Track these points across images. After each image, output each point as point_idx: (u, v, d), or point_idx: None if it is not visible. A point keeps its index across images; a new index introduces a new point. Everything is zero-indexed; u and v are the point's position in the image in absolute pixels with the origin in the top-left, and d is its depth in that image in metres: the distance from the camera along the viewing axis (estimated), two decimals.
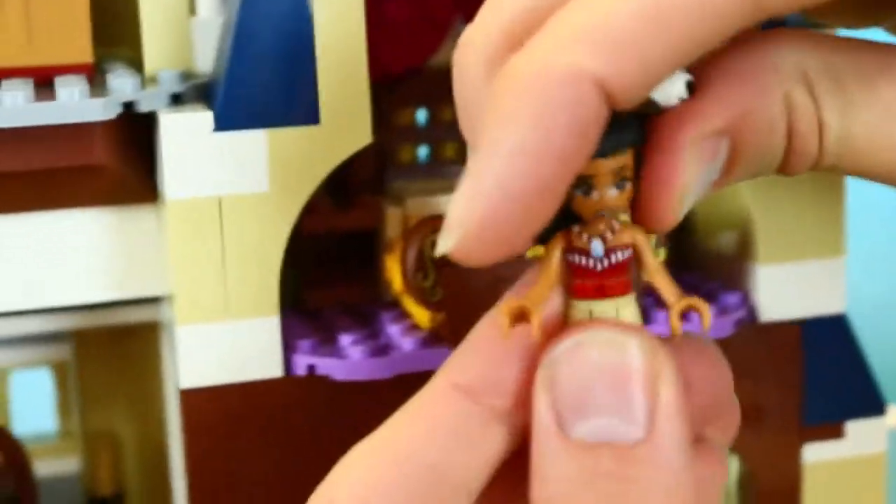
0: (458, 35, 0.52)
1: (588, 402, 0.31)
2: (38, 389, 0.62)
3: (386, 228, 0.50)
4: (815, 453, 0.53)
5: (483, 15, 0.34)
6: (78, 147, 0.45)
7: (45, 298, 0.49)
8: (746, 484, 0.53)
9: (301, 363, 0.47)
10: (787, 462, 0.53)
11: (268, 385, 0.47)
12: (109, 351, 0.57)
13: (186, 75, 0.48)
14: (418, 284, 0.47)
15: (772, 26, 0.35)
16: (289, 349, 0.47)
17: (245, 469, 0.47)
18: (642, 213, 0.33)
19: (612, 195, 0.33)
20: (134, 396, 0.58)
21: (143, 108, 0.45)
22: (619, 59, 0.30)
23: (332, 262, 0.53)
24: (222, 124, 0.45)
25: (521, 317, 0.32)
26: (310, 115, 0.45)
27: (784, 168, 0.36)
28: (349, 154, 0.46)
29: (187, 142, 0.45)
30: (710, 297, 0.51)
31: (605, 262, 0.33)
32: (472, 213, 0.30)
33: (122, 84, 0.45)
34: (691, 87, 0.33)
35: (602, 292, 0.33)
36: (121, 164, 0.47)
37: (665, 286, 0.34)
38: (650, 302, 0.49)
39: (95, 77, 0.47)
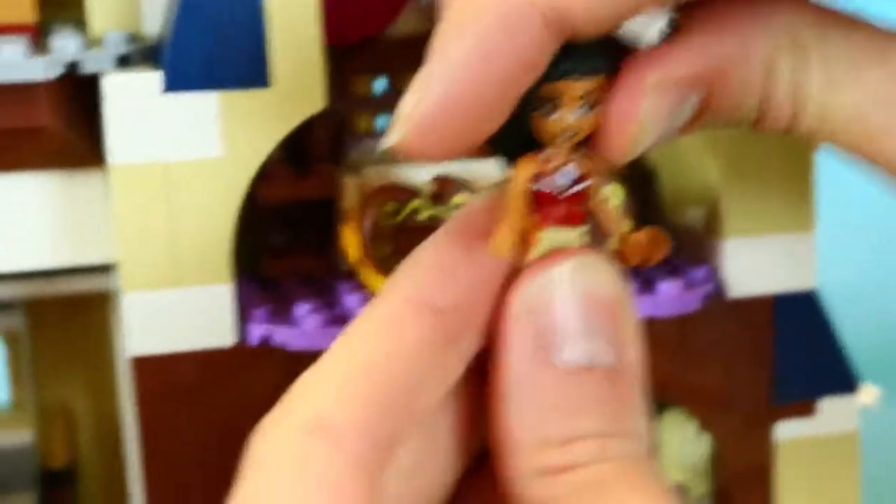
0: (418, 4, 0.51)
1: (572, 328, 0.32)
2: None
3: (344, 197, 0.49)
4: (786, 431, 0.52)
5: None
6: (20, 108, 0.44)
7: None
8: (718, 462, 0.52)
9: (255, 332, 0.46)
10: (758, 440, 0.52)
11: (220, 354, 0.46)
12: (62, 321, 0.56)
13: (134, 37, 0.47)
14: (376, 253, 0.45)
15: None
16: (243, 318, 0.46)
17: (198, 438, 0.46)
18: (599, 143, 0.34)
19: (572, 118, 0.33)
20: (88, 367, 0.57)
21: (88, 69, 0.44)
22: None
23: (291, 230, 0.52)
24: (171, 85, 0.44)
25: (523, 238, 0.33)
26: (260, 77, 0.44)
27: (755, 126, 0.36)
28: (302, 119, 0.45)
29: (133, 104, 0.44)
30: (677, 272, 0.50)
31: (572, 190, 0.33)
32: (417, 110, 0.31)
33: (65, 45, 0.44)
34: (674, 26, 0.34)
35: (567, 220, 0.33)
36: (65, 126, 0.45)
37: (616, 220, 0.34)
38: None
39: (40, 39, 0.46)
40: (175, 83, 0.44)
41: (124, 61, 0.45)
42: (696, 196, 0.51)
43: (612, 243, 0.34)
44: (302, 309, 0.46)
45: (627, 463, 0.32)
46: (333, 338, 0.45)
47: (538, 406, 0.32)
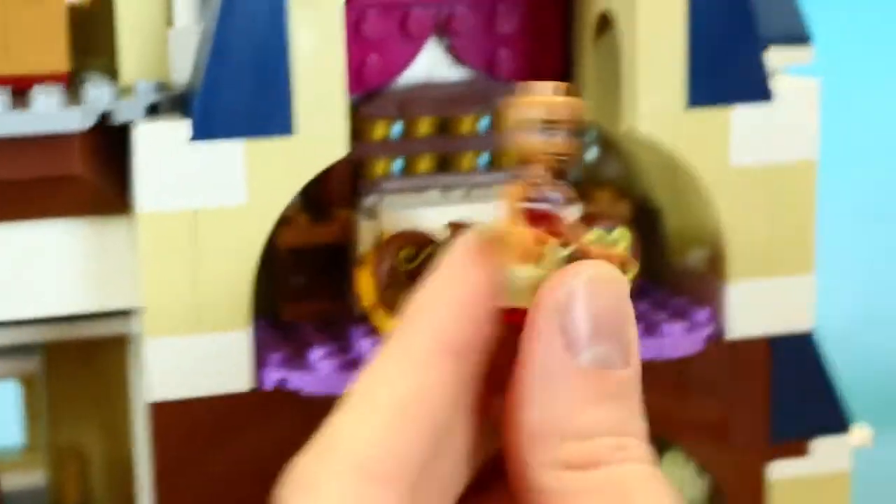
0: (432, 50, 0.53)
1: (598, 330, 0.33)
2: (6, 402, 0.62)
3: (359, 242, 0.50)
4: (780, 470, 0.53)
5: None
6: (54, 157, 0.45)
7: (16, 310, 0.49)
8: (714, 499, 0.54)
9: (271, 377, 0.47)
10: (752, 479, 0.53)
11: (237, 399, 0.47)
12: (78, 364, 0.57)
13: (163, 86, 0.48)
14: (390, 298, 0.47)
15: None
16: (259, 363, 0.47)
17: (213, 483, 0.47)
18: None
19: (552, 140, 0.35)
20: (102, 410, 0.57)
21: (120, 118, 0.45)
22: None
23: (307, 275, 0.53)
24: (199, 134, 0.45)
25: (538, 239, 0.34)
26: (285, 125, 0.46)
27: None
28: (326, 165, 0.47)
29: (162, 153, 0.45)
30: (679, 313, 0.51)
31: (563, 210, 0.35)
32: None
33: (98, 94, 0.45)
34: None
35: (549, 240, 0.35)
36: (96, 174, 0.47)
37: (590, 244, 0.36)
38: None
39: (71, 87, 0.47)
40: (203, 132, 0.45)
41: (153, 109, 0.47)
42: (700, 239, 0.53)
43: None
44: (316, 354, 0.48)
45: (647, 468, 0.33)
46: (347, 383, 0.46)
47: (563, 397, 0.33)
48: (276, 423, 0.47)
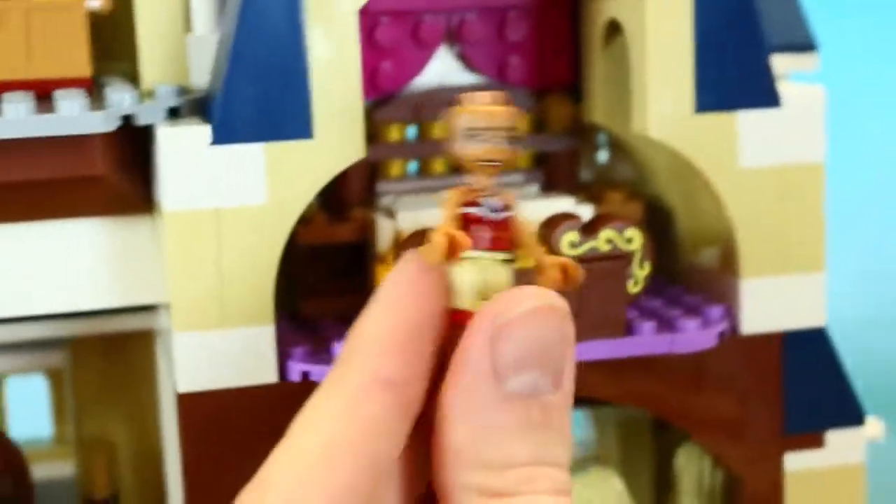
0: (444, 56, 0.54)
1: (528, 359, 0.34)
2: (35, 395, 0.63)
3: (377, 241, 0.51)
4: (795, 462, 0.54)
5: None
6: (78, 158, 0.46)
7: (43, 305, 0.51)
8: (729, 491, 0.55)
9: (295, 369, 0.48)
10: (768, 470, 0.54)
11: (263, 390, 0.48)
12: (104, 358, 0.58)
13: (183, 90, 0.49)
14: None
15: None
16: (283, 356, 0.48)
17: (240, 471, 0.48)
18: None
19: (492, 147, 0.36)
20: (128, 402, 0.58)
21: (142, 121, 0.46)
22: None
23: (326, 272, 0.54)
24: (220, 138, 0.46)
25: (452, 245, 0.35)
26: (304, 129, 0.47)
27: None
28: (343, 167, 0.47)
29: (185, 155, 0.46)
30: (693, 310, 0.52)
31: (499, 215, 0.36)
32: None
33: (120, 97, 0.46)
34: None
35: (493, 244, 0.36)
36: (118, 175, 0.48)
37: (535, 247, 0.37)
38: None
39: (93, 91, 0.48)
40: (224, 136, 0.46)
41: (174, 112, 0.48)
42: (712, 237, 0.54)
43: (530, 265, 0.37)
44: (339, 347, 0.48)
45: (558, 501, 0.35)
46: None
47: (484, 425, 0.34)
48: None
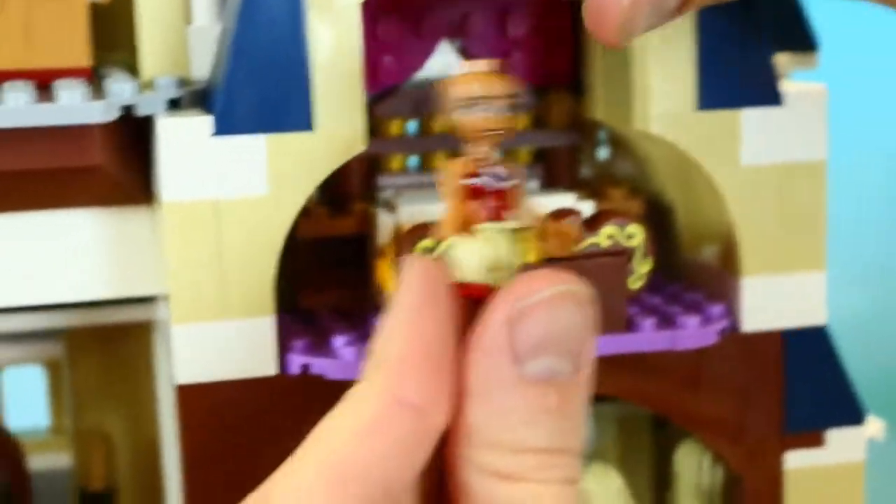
0: (445, 51, 0.54)
1: (547, 345, 0.34)
2: (32, 386, 0.63)
3: (378, 234, 0.51)
4: (796, 460, 0.54)
5: None
6: (77, 148, 0.46)
7: (40, 296, 0.50)
8: (729, 489, 0.55)
9: (295, 362, 0.48)
10: (768, 468, 0.54)
11: (262, 382, 0.48)
12: (101, 349, 0.58)
13: (183, 81, 0.49)
14: None
15: None
16: (283, 349, 0.48)
17: (239, 462, 0.48)
18: (591, 28, 0.37)
19: (493, 116, 0.36)
20: (125, 394, 0.58)
21: (142, 111, 0.46)
22: None
23: (326, 265, 0.54)
24: (221, 129, 0.46)
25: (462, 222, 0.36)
26: (306, 121, 0.46)
27: None
28: (344, 160, 0.47)
29: (185, 146, 0.46)
30: (694, 308, 0.52)
31: (503, 184, 0.36)
32: None
33: (120, 88, 0.46)
34: None
35: (495, 214, 0.36)
36: (117, 165, 0.48)
37: (537, 215, 0.37)
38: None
39: (93, 81, 0.48)
40: (225, 127, 0.46)
41: (174, 104, 0.48)
42: (713, 235, 0.53)
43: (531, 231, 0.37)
44: (339, 341, 0.48)
45: (567, 490, 0.35)
46: None
47: (501, 409, 0.34)
48: (300, 407, 0.48)
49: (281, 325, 0.49)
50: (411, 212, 0.51)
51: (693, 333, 0.50)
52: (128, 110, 0.46)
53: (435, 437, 0.34)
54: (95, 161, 0.46)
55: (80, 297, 0.51)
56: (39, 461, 0.59)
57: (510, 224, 0.37)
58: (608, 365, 0.50)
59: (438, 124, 0.53)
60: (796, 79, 0.55)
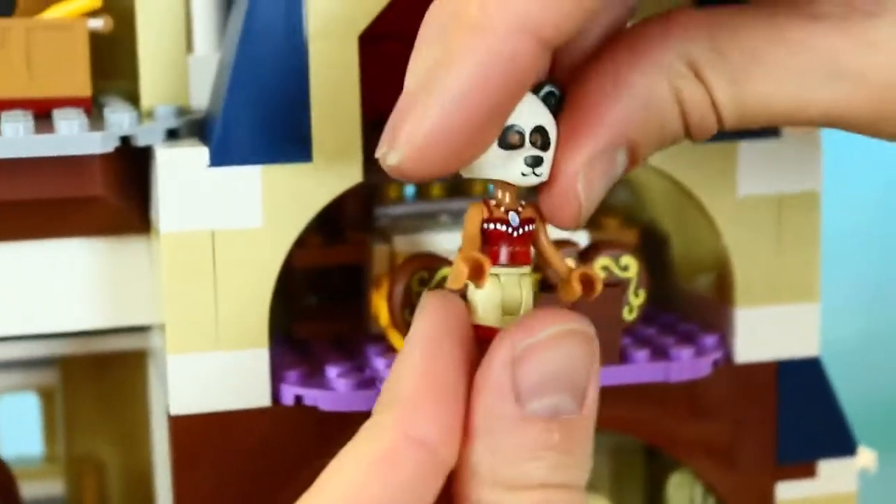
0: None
1: (549, 384, 0.35)
2: (26, 414, 0.63)
3: (373, 264, 0.51)
4: (788, 491, 0.54)
5: None
6: (76, 179, 0.46)
7: (36, 325, 0.50)
8: None
9: (289, 393, 0.48)
10: (760, 499, 0.54)
11: (256, 414, 0.48)
12: (96, 377, 0.58)
13: (182, 111, 0.49)
14: (405, 320, 0.48)
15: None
16: (277, 379, 0.48)
17: (232, 495, 0.48)
18: (550, 217, 0.38)
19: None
20: (119, 422, 0.58)
21: (140, 142, 0.46)
22: (552, 7, 0.34)
23: (321, 294, 0.54)
24: (217, 160, 0.46)
25: (476, 266, 0.36)
26: (303, 153, 0.47)
27: (689, 138, 0.40)
28: (340, 191, 0.47)
29: (182, 176, 0.46)
30: (687, 339, 0.52)
31: (520, 231, 0.37)
32: (419, 132, 0.34)
33: (119, 118, 0.46)
34: (558, 97, 0.37)
35: (512, 259, 0.37)
36: (116, 196, 0.48)
37: (558, 260, 0.38)
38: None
39: (93, 110, 0.48)
40: (221, 158, 0.46)
41: (172, 134, 0.48)
42: (707, 265, 0.54)
43: (555, 280, 0.38)
44: (333, 371, 0.48)
45: None
46: (363, 400, 0.47)
47: (502, 447, 0.35)
48: (294, 438, 0.48)
49: (275, 356, 0.49)
50: (406, 242, 0.51)
51: (687, 365, 0.50)
52: (126, 141, 0.46)
53: (444, 474, 0.35)
54: (94, 191, 0.47)
55: (75, 326, 0.51)
56: (33, 489, 0.59)
57: (524, 269, 0.37)
58: (601, 395, 0.50)
59: None
60: None
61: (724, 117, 0.39)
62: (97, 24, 0.48)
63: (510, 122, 0.36)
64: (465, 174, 0.37)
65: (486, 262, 0.36)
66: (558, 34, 0.34)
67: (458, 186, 0.53)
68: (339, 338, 0.52)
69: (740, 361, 0.52)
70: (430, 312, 0.36)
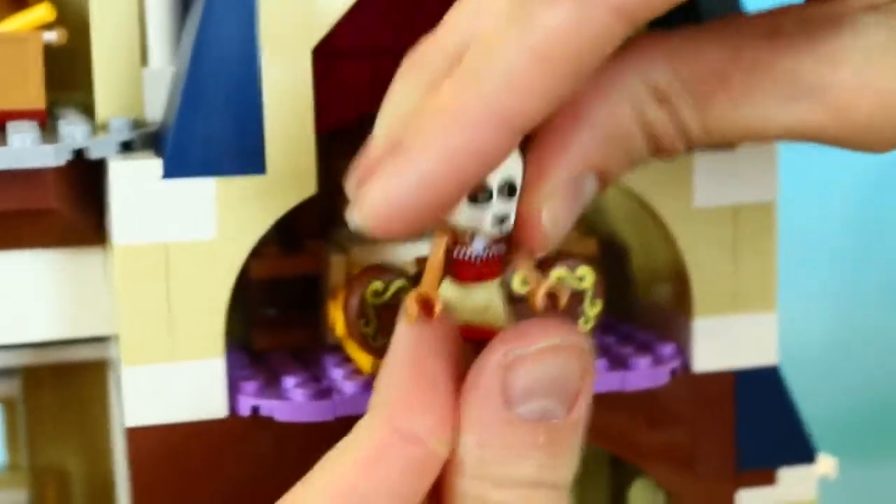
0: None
1: (539, 391, 0.36)
2: None
3: (330, 275, 0.51)
4: (748, 498, 0.54)
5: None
6: (29, 192, 0.46)
7: None
8: None
9: (245, 404, 0.48)
10: None
11: (212, 425, 0.48)
12: (57, 387, 0.58)
13: (137, 123, 0.49)
14: (360, 330, 0.48)
15: None
16: (234, 390, 0.48)
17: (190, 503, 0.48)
18: (519, 243, 0.39)
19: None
20: (81, 432, 0.58)
21: (94, 155, 0.46)
22: (525, 98, 0.35)
23: (279, 305, 0.54)
24: (171, 172, 0.46)
25: (425, 304, 0.37)
26: (256, 164, 0.47)
27: (658, 158, 0.41)
28: (295, 203, 0.47)
29: (136, 188, 0.46)
30: (645, 348, 0.52)
31: (484, 256, 0.38)
32: (382, 203, 0.35)
33: (73, 131, 0.46)
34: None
35: (479, 277, 0.38)
36: (70, 208, 0.48)
37: (531, 273, 0.39)
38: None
39: (48, 122, 0.48)
40: (175, 170, 0.46)
41: (127, 146, 0.48)
42: (665, 275, 0.54)
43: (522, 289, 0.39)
44: (290, 382, 0.49)
45: None
46: (320, 410, 0.47)
47: (488, 439, 0.36)
48: (251, 449, 0.48)
49: (232, 367, 0.49)
50: (363, 252, 0.51)
51: (644, 374, 0.51)
52: (80, 154, 0.46)
53: (436, 468, 0.36)
54: (48, 204, 0.47)
55: (34, 337, 0.51)
56: None
57: (491, 284, 0.38)
58: None
59: None
60: None
61: (691, 138, 0.40)
62: (51, 36, 0.48)
63: None
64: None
65: (436, 299, 0.37)
66: (530, 123, 0.35)
67: None
68: (296, 348, 0.52)
69: (698, 370, 0.53)
70: (415, 312, 0.37)
